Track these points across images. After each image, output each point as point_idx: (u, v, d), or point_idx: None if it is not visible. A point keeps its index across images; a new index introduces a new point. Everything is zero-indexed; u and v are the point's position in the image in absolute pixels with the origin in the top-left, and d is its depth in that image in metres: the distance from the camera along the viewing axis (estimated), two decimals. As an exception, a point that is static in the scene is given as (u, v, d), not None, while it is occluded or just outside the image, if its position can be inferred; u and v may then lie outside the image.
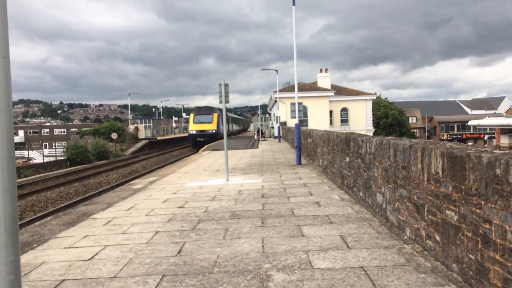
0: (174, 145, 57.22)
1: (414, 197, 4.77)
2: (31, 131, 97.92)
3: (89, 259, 4.84)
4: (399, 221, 5.34)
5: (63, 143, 45.77)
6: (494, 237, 3.14)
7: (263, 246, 4.99)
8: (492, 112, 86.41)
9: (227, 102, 11.74)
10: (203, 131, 41.40)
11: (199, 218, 6.72)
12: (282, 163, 15.62)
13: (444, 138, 79.05)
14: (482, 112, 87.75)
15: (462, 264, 3.65)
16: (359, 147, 7.57)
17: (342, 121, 48.14)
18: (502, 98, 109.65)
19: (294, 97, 16.46)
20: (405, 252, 4.54)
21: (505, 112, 79.38)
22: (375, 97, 53.59)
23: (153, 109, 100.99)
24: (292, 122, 27.53)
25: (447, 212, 3.93)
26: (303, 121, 34.23)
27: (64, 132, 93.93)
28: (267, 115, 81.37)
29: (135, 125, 59.92)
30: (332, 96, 44.38)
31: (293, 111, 16.54)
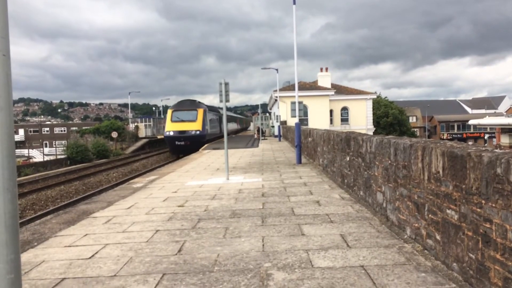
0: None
1: (415, 196, 4.77)
2: (32, 129, 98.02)
3: (90, 257, 4.84)
4: (400, 220, 5.33)
5: (63, 141, 45.80)
6: (495, 236, 3.14)
7: (263, 245, 5.00)
8: (492, 111, 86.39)
9: (227, 101, 11.74)
10: (184, 132, 31.32)
11: (199, 217, 6.72)
12: (282, 162, 15.62)
13: (445, 137, 79.02)
14: (483, 111, 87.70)
15: (463, 263, 3.65)
16: (359, 146, 7.56)
17: (342, 120, 48.10)
18: (502, 97, 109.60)
19: (294, 96, 16.46)
20: (405, 251, 4.54)
21: (506, 112, 79.35)
22: (375, 96, 53.56)
23: (154, 108, 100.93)
24: (292, 121, 27.51)
25: (448, 211, 3.92)
26: (303, 120, 34.24)
27: (64, 130, 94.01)
28: (267, 114, 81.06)
29: (135, 124, 59.86)
30: (332, 95, 44.34)
31: (293, 110, 16.53)
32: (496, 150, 3.44)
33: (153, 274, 4.19)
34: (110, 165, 30.49)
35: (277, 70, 40.45)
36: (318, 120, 40.49)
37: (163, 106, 79.76)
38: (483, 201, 3.29)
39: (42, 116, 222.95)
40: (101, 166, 29.83)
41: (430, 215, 4.35)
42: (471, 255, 3.50)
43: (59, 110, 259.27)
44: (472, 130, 78.78)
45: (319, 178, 10.72)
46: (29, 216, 13.06)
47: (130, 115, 75.69)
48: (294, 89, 16.82)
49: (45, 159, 37.89)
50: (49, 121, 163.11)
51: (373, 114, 51.74)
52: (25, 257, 4.97)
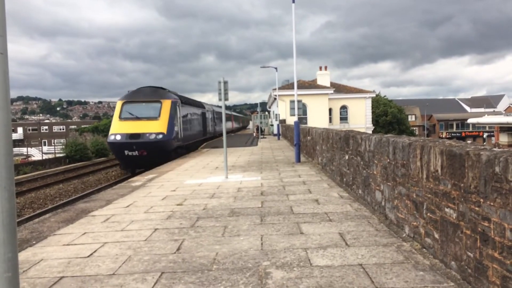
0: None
1: (413, 195, 4.77)
2: (30, 128, 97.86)
3: (88, 256, 4.84)
4: (398, 219, 5.34)
5: (62, 140, 45.72)
6: (493, 235, 3.14)
7: (262, 244, 5.00)
8: (491, 110, 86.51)
9: (226, 99, 11.73)
10: (137, 136, 19.70)
11: (198, 215, 6.72)
12: (281, 160, 15.62)
13: (443, 136, 79.09)
14: (481, 110, 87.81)
15: (461, 262, 3.66)
16: (358, 144, 7.56)
17: (341, 118, 48.13)
18: (501, 96, 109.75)
19: (293, 95, 16.45)
20: (403, 250, 4.54)
21: (504, 110, 79.50)
22: (374, 95, 53.61)
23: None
24: (291, 120, 27.51)
25: (446, 209, 3.93)
26: (302, 119, 34.23)
27: (63, 129, 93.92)
28: (266, 113, 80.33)
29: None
30: (331, 93, 44.36)
31: (292, 108, 16.52)
32: (494, 149, 3.44)
33: (151, 273, 4.19)
34: (109, 163, 30.45)
35: (276, 68, 40.43)
36: (317, 118, 40.51)
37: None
38: (482, 200, 3.30)
39: (41, 115, 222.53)
40: (100, 165, 29.82)
41: (428, 214, 4.35)
42: (469, 253, 3.51)
43: (58, 109, 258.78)
44: (471, 129, 78.88)
45: (318, 176, 10.73)
46: (27, 215, 13.05)
47: (129, 113, 75.36)
48: (293, 88, 16.81)
49: (43, 158, 37.84)
50: (48, 119, 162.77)
51: (372, 112, 51.77)
52: (23, 255, 4.97)
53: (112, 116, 23.83)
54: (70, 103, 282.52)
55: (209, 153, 21.19)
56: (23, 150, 52.79)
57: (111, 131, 20.39)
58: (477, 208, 3.38)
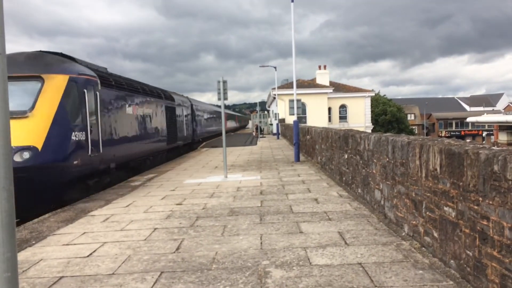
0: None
1: (412, 194, 4.78)
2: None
3: (88, 256, 4.84)
4: (397, 218, 5.34)
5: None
6: (492, 234, 3.14)
7: (261, 243, 5.00)
8: (490, 109, 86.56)
9: (225, 99, 11.72)
10: None
11: (198, 215, 6.72)
12: (281, 160, 15.62)
13: (443, 135, 79.11)
14: (481, 109, 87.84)
15: (460, 261, 3.66)
16: (357, 144, 7.57)
17: (340, 118, 48.14)
18: (500, 95, 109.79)
19: (292, 94, 16.46)
20: (403, 249, 4.54)
21: (504, 109, 79.58)
22: (373, 94, 53.62)
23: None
24: (290, 119, 27.50)
25: (445, 208, 3.93)
26: (301, 118, 34.24)
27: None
28: (265, 112, 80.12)
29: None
30: (330, 93, 44.38)
31: (291, 108, 16.52)
32: (493, 148, 3.45)
33: (151, 272, 4.19)
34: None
35: (275, 68, 40.43)
36: (317, 118, 40.52)
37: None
38: (480, 199, 3.30)
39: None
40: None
41: (427, 213, 4.35)
42: (468, 252, 3.51)
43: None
44: (470, 128, 78.90)
45: (318, 176, 10.73)
46: (27, 215, 12.93)
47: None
48: (292, 87, 16.81)
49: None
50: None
51: (372, 112, 51.78)
52: (23, 255, 4.97)
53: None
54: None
55: (209, 153, 21.19)
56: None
57: None
58: (476, 207, 3.38)
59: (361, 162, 7.29)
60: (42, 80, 9.23)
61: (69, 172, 9.30)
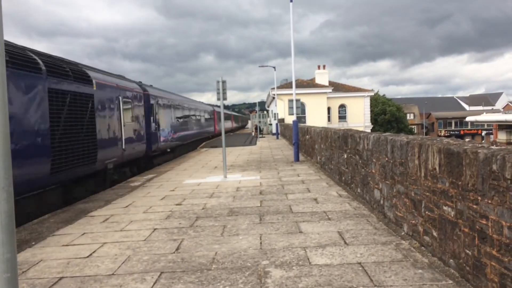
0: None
1: (412, 193, 4.78)
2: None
3: (87, 256, 4.84)
4: (397, 217, 5.35)
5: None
6: (491, 233, 3.15)
7: (261, 243, 5.00)
8: (489, 108, 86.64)
9: (225, 99, 11.72)
10: None
11: (197, 215, 6.72)
12: (280, 159, 15.63)
13: (442, 134, 79.16)
14: (480, 108, 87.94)
15: (459, 260, 3.67)
16: (356, 143, 7.57)
17: (340, 117, 48.16)
18: (499, 94, 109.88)
19: (292, 94, 16.47)
20: (402, 248, 4.55)
21: (503, 108, 79.63)
22: (373, 94, 53.64)
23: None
24: (290, 119, 27.50)
25: (444, 208, 3.94)
26: (301, 118, 34.23)
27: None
28: (265, 112, 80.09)
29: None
30: (330, 92, 44.41)
31: (291, 108, 16.53)
32: (492, 147, 3.45)
33: (151, 273, 4.19)
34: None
35: (274, 67, 40.44)
36: (316, 117, 40.55)
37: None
38: (479, 198, 3.31)
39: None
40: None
41: (427, 212, 4.36)
42: (467, 251, 3.52)
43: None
44: (469, 127, 78.94)
45: (317, 175, 10.73)
46: (26, 216, 12.85)
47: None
48: (291, 87, 16.82)
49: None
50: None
51: (371, 111, 51.82)
52: (22, 256, 4.97)
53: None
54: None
55: (208, 153, 21.18)
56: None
57: None
58: (475, 206, 3.39)
59: (360, 161, 7.30)
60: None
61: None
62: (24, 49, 8.17)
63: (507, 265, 2.95)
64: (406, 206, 4.99)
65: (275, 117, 41.28)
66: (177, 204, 7.71)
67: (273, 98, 43.10)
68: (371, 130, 46.40)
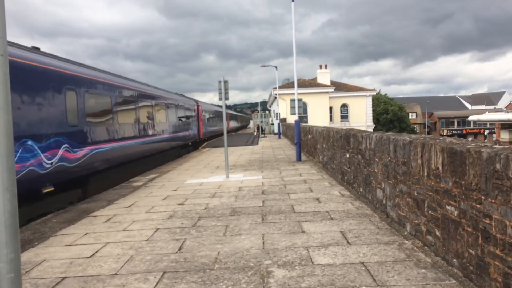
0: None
1: (414, 193, 4.77)
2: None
3: (90, 256, 4.85)
4: (399, 217, 5.34)
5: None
6: (494, 232, 3.14)
7: (263, 243, 5.00)
8: (492, 107, 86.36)
9: (226, 99, 11.73)
10: None
11: (200, 215, 6.72)
12: (282, 159, 15.62)
13: (444, 134, 78.98)
14: (482, 107, 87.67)
15: (463, 259, 3.66)
16: (359, 143, 7.56)
17: (342, 117, 48.10)
18: (502, 93, 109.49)
19: (293, 94, 16.45)
20: (405, 248, 4.54)
21: (505, 107, 79.32)
22: (375, 93, 53.55)
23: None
24: (292, 119, 27.49)
25: (447, 207, 3.93)
26: (303, 118, 34.23)
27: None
28: (267, 112, 79.87)
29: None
30: (332, 92, 44.35)
31: (292, 107, 16.54)
32: (495, 146, 3.44)
33: (153, 273, 4.20)
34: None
35: (276, 67, 40.40)
36: (318, 117, 40.49)
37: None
38: (483, 197, 3.30)
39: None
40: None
41: (430, 212, 4.35)
42: (471, 251, 3.51)
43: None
44: (472, 126, 78.68)
45: (319, 175, 10.72)
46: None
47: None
48: (293, 87, 16.81)
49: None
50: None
51: (373, 111, 51.72)
52: (26, 256, 4.98)
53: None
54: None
55: (210, 153, 21.19)
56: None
57: None
58: (478, 206, 3.38)
59: (362, 161, 7.29)
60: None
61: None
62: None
63: (510, 265, 2.94)
64: (409, 206, 4.98)
65: (277, 116, 41.27)
66: (179, 204, 7.71)
67: (275, 97, 43.08)
68: (373, 129, 46.32)
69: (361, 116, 47.48)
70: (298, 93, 16.59)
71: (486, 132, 70.86)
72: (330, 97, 44.10)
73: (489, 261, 3.23)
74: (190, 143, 25.47)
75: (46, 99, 8.68)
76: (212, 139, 36.43)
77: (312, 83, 45.37)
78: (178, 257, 4.65)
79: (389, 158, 5.74)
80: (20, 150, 7.58)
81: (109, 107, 12.28)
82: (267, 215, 6.42)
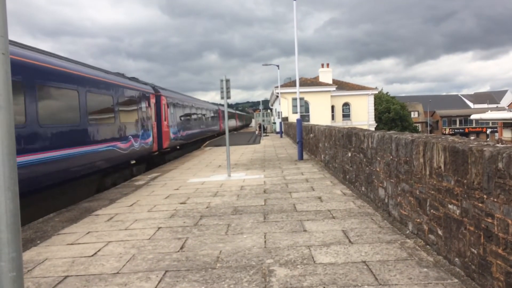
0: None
1: (416, 192, 4.76)
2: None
3: (92, 255, 4.86)
4: (401, 216, 5.33)
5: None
6: (497, 231, 3.13)
7: (265, 242, 5.00)
8: (494, 106, 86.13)
9: (228, 97, 11.72)
10: None
11: (201, 213, 6.73)
12: (284, 158, 15.62)
13: (447, 132, 78.81)
14: (485, 106, 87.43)
15: (465, 258, 3.65)
16: (361, 142, 7.55)
17: (344, 116, 48.04)
18: (504, 92, 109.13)
19: (295, 92, 16.44)
20: (407, 247, 4.53)
21: (508, 106, 79.16)
22: (377, 92, 53.44)
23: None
24: (293, 118, 27.48)
25: (449, 206, 3.92)
26: (304, 116, 34.20)
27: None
28: (268, 111, 79.72)
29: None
30: (333, 91, 44.29)
31: (294, 106, 16.51)
32: (497, 145, 3.43)
33: (155, 271, 4.20)
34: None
35: (278, 66, 40.39)
36: (320, 116, 40.45)
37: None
38: (485, 196, 3.29)
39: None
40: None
41: (432, 210, 4.34)
42: (473, 250, 3.50)
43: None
44: (474, 125, 78.51)
45: (321, 174, 10.72)
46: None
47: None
48: (295, 85, 16.80)
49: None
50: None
51: (375, 109, 51.65)
52: (28, 255, 4.99)
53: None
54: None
55: (212, 152, 21.20)
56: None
57: None
58: (480, 205, 3.37)
59: (364, 160, 7.28)
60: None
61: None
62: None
63: (513, 264, 2.93)
64: (411, 205, 4.98)
65: (278, 115, 41.23)
66: (181, 203, 7.72)
67: (277, 96, 43.06)
68: (375, 128, 46.26)
69: (363, 115, 47.41)
70: (300, 92, 16.58)
71: (489, 131, 70.64)
72: (332, 96, 44.05)
73: (491, 260, 3.22)
74: (133, 161, 14.18)
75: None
76: (186, 147, 24.01)
77: (314, 82, 45.32)
78: (180, 256, 4.65)
79: (391, 157, 5.73)
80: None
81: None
82: (269, 214, 6.42)
